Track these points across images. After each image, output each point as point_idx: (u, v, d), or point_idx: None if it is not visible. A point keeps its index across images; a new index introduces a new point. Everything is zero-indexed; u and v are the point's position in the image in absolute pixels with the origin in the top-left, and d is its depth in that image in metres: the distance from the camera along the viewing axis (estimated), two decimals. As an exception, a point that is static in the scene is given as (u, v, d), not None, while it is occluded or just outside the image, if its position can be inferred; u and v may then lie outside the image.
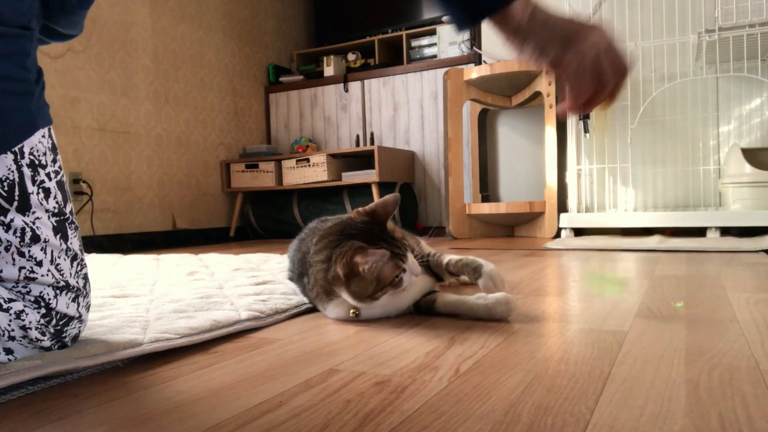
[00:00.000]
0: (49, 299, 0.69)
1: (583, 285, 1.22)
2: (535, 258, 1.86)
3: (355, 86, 3.57)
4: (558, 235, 2.64)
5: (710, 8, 2.50)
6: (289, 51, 4.04)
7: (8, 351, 0.67)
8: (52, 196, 0.71)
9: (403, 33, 3.56)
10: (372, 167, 3.16)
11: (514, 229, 2.97)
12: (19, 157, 0.67)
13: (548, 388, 0.58)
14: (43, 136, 0.70)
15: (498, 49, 3.08)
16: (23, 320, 0.67)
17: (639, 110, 2.59)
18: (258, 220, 3.46)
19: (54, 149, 0.73)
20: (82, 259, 0.76)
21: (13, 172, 0.66)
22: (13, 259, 0.67)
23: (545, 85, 2.70)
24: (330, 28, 3.91)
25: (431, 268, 1.12)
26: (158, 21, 3.09)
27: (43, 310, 0.68)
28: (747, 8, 2.35)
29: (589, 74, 0.74)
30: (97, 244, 2.69)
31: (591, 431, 0.47)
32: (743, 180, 2.31)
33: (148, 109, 3.02)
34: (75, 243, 0.74)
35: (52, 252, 0.70)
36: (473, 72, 2.83)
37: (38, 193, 0.69)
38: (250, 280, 1.35)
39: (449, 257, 1.11)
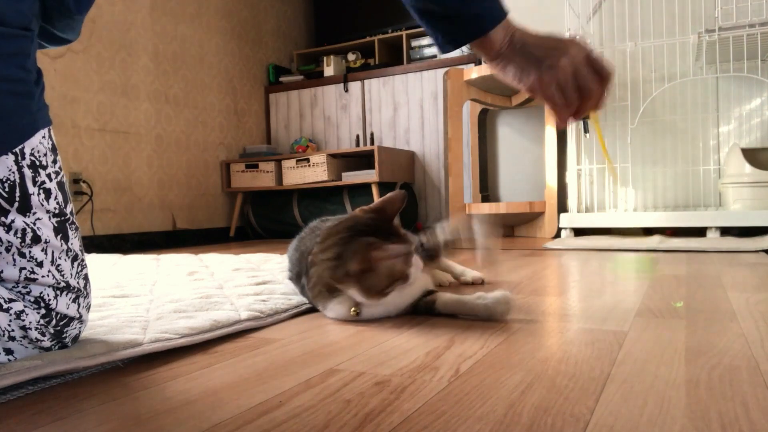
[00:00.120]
0: (50, 300, 0.69)
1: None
2: (535, 258, 1.86)
3: (355, 86, 3.57)
4: (558, 235, 2.64)
5: (710, 8, 2.50)
6: (289, 51, 4.04)
7: (8, 351, 0.67)
8: (52, 196, 0.71)
9: (403, 33, 3.56)
10: (372, 167, 3.16)
11: (514, 229, 2.97)
12: (19, 158, 0.67)
13: (548, 388, 0.58)
14: (44, 137, 0.70)
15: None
16: (23, 320, 0.67)
17: (639, 110, 2.59)
18: (258, 220, 3.46)
19: (54, 150, 0.73)
20: (83, 260, 0.76)
21: (13, 173, 0.66)
22: (14, 260, 0.67)
23: (545, 85, 2.70)
24: (330, 28, 3.91)
25: (429, 253, 1.09)
26: (158, 21, 3.09)
27: (43, 311, 0.68)
28: (747, 8, 2.35)
29: (571, 87, 0.78)
30: (97, 244, 2.69)
31: (591, 431, 0.47)
32: (743, 180, 2.31)
33: (148, 109, 3.02)
34: (75, 243, 0.74)
35: (52, 253, 0.70)
36: (473, 72, 2.83)
37: (39, 194, 0.69)
38: (250, 280, 1.35)
39: (441, 229, 1.09)
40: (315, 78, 3.74)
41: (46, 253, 0.69)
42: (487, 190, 3.25)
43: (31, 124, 0.68)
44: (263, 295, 1.13)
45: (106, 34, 2.80)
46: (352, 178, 3.15)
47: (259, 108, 3.80)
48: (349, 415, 0.52)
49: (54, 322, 0.70)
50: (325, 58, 3.72)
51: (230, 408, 0.55)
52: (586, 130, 2.64)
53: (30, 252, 0.68)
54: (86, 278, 0.76)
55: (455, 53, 3.32)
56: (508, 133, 3.21)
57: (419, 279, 0.95)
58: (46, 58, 2.52)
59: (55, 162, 0.72)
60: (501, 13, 0.79)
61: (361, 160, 3.38)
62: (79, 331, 0.74)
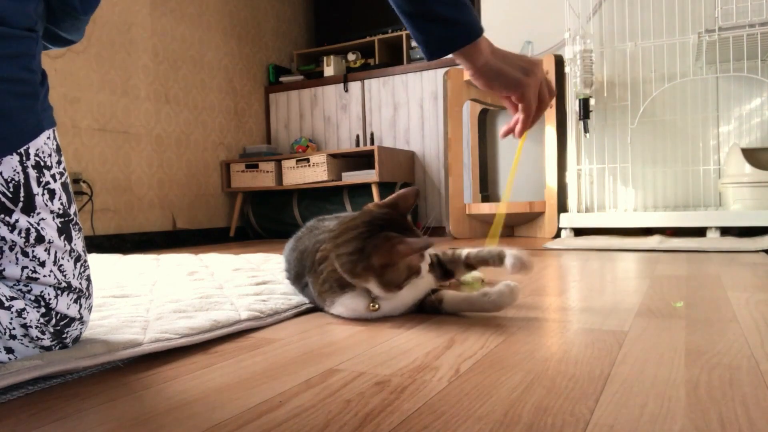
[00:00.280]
0: (50, 299, 0.69)
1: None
2: (535, 258, 1.86)
3: (355, 86, 3.57)
4: (558, 235, 2.64)
5: (710, 8, 2.50)
6: (289, 51, 4.04)
7: (9, 350, 0.67)
8: (56, 197, 0.71)
9: (403, 33, 3.56)
10: (372, 167, 3.16)
11: (514, 229, 2.97)
12: (24, 158, 0.67)
13: (548, 388, 0.58)
14: (48, 138, 0.71)
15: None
16: (24, 318, 0.67)
17: (639, 110, 2.59)
18: (258, 220, 3.46)
19: (59, 151, 0.73)
20: (86, 261, 0.76)
21: (18, 173, 0.67)
22: (17, 259, 0.67)
23: (545, 85, 2.70)
24: (330, 28, 3.91)
25: (443, 264, 1.12)
26: (158, 21, 3.09)
27: (42, 309, 0.69)
28: (747, 8, 2.35)
29: (536, 98, 0.93)
30: (97, 244, 2.69)
31: (591, 431, 0.47)
32: (743, 180, 2.31)
33: (148, 109, 3.02)
34: (78, 244, 0.74)
35: (55, 253, 0.70)
36: (473, 72, 2.83)
37: (43, 195, 0.69)
38: (250, 280, 1.35)
39: (468, 250, 1.12)
40: (315, 78, 3.74)
41: (49, 253, 0.69)
42: (487, 190, 3.25)
43: (36, 125, 0.68)
44: (263, 295, 1.13)
45: (106, 34, 2.80)
46: (352, 178, 3.15)
47: (259, 108, 3.80)
48: (349, 415, 0.52)
49: (54, 321, 0.70)
50: (325, 58, 3.72)
51: (230, 408, 0.55)
52: (586, 131, 2.64)
53: (33, 251, 0.68)
54: (88, 279, 0.76)
55: (455, 53, 3.32)
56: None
57: (425, 276, 0.96)
58: (47, 58, 2.52)
59: (59, 163, 0.72)
60: (481, 27, 0.90)
61: (361, 160, 3.38)
62: (80, 332, 0.74)
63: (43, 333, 0.69)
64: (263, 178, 3.34)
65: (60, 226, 0.71)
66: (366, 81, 3.54)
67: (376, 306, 0.92)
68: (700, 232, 2.37)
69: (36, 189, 0.68)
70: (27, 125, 0.67)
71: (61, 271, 0.71)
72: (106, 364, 0.71)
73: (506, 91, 0.93)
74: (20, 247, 0.67)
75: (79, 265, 0.74)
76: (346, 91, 3.59)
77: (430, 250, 1.20)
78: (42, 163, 0.69)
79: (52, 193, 0.70)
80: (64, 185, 0.73)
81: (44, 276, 0.69)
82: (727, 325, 0.83)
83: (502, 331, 0.83)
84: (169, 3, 3.15)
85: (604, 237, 2.49)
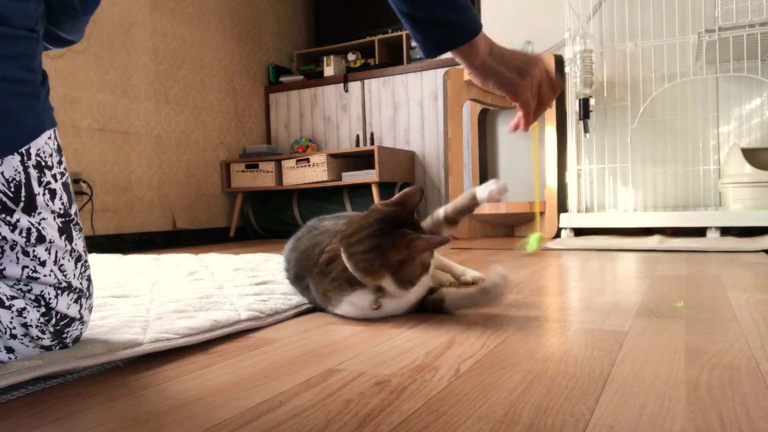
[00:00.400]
0: (50, 299, 0.69)
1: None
2: (535, 258, 1.86)
3: (355, 86, 3.57)
4: (558, 235, 2.64)
5: (710, 8, 2.50)
6: (289, 51, 4.04)
7: (9, 350, 0.67)
8: (57, 197, 0.71)
9: (403, 33, 3.56)
10: (372, 167, 3.16)
11: (514, 229, 2.97)
12: (25, 158, 0.67)
13: (548, 388, 0.58)
14: (49, 138, 0.71)
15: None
16: (25, 318, 0.67)
17: (639, 110, 2.59)
18: (258, 220, 3.46)
19: (59, 151, 0.73)
20: (86, 261, 0.76)
21: (19, 173, 0.67)
22: (17, 258, 0.67)
23: (545, 85, 2.70)
24: (330, 28, 3.91)
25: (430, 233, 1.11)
26: (158, 21, 3.09)
27: (43, 309, 0.69)
28: (747, 8, 2.35)
29: (536, 95, 0.94)
30: (97, 244, 2.69)
31: (591, 431, 0.47)
32: (743, 180, 2.31)
33: (148, 109, 3.02)
34: (79, 244, 0.74)
35: (56, 253, 0.70)
36: (473, 72, 2.83)
37: (44, 194, 0.69)
38: (250, 280, 1.35)
39: (443, 208, 1.10)
40: (315, 78, 3.74)
41: (49, 253, 0.69)
42: (487, 190, 3.24)
43: (37, 125, 0.69)
44: (263, 295, 1.13)
45: (106, 34, 2.80)
46: (352, 178, 3.15)
47: (259, 108, 3.80)
48: (349, 415, 0.52)
49: (54, 321, 0.70)
50: (325, 58, 3.72)
51: (230, 408, 0.55)
52: (586, 131, 2.64)
53: (34, 251, 0.68)
54: (89, 279, 0.76)
55: (455, 53, 3.32)
56: (508, 133, 3.21)
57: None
58: (47, 58, 2.52)
59: (60, 163, 0.72)
60: (480, 25, 0.91)
61: (361, 160, 3.38)
62: (81, 332, 0.75)
63: (43, 332, 0.69)
64: (263, 178, 3.34)
65: (61, 226, 0.71)
66: (366, 81, 3.54)
67: (378, 304, 0.92)
68: (700, 232, 2.37)
69: (37, 189, 0.68)
70: (28, 125, 0.67)
71: (61, 270, 0.71)
72: (106, 364, 0.71)
73: (500, 91, 0.95)
74: (21, 247, 0.67)
75: (79, 265, 0.74)
76: (346, 91, 3.60)
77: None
78: (43, 163, 0.69)
79: (53, 193, 0.70)
80: (65, 185, 0.73)
81: (45, 276, 0.69)
82: (727, 325, 0.83)
83: (502, 331, 0.83)
84: (169, 3, 3.15)
85: (604, 237, 2.49)
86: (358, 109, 3.57)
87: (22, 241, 0.67)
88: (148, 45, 3.03)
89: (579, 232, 2.62)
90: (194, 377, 0.66)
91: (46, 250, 0.69)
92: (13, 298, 0.67)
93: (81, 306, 0.73)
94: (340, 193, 3.25)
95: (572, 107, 2.65)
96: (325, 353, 0.74)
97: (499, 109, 3.15)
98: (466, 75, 2.94)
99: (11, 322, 0.66)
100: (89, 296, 0.75)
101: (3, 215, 0.66)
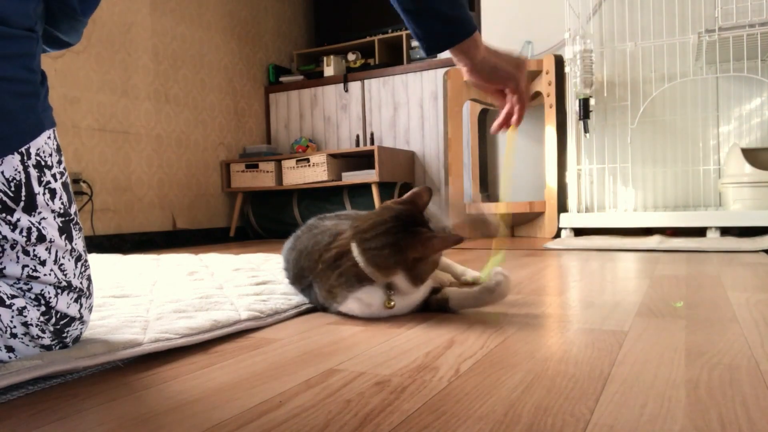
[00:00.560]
0: (50, 298, 0.69)
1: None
2: (535, 258, 1.86)
3: (355, 86, 3.57)
4: (558, 235, 2.64)
5: (710, 8, 2.50)
6: (289, 51, 4.04)
7: (10, 349, 0.67)
8: (57, 196, 0.71)
9: (403, 33, 3.56)
10: (372, 167, 3.16)
11: (514, 229, 2.97)
12: (25, 157, 0.67)
13: (548, 388, 0.58)
14: (49, 138, 0.71)
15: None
16: (25, 317, 0.67)
17: (639, 110, 2.59)
18: (258, 220, 3.46)
19: (59, 151, 0.73)
20: (86, 260, 0.76)
21: (20, 172, 0.67)
22: (18, 257, 0.68)
23: (545, 85, 2.70)
24: (330, 28, 3.91)
25: None
26: (158, 21, 3.09)
27: (42, 308, 0.69)
28: (747, 8, 2.35)
29: (528, 89, 0.98)
30: (97, 244, 2.69)
31: (591, 431, 0.47)
32: (743, 180, 2.31)
33: (148, 109, 3.02)
34: (79, 244, 0.74)
35: (56, 252, 0.70)
36: (473, 72, 2.82)
37: (44, 194, 0.69)
38: (250, 280, 1.35)
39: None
40: (315, 78, 3.74)
41: (49, 253, 0.70)
42: (487, 190, 3.25)
43: (37, 125, 0.69)
44: (263, 295, 1.13)
45: (106, 34, 2.80)
46: (352, 178, 3.15)
47: (259, 108, 3.80)
48: (349, 415, 0.52)
49: (54, 320, 0.70)
50: (325, 58, 3.72)
51: (230, 408, 0.55)
52: (586, 131, 2.64)
53: (34, 250, 0.68)
54: (89, 279, 0.76)
55: (455, 53, 3.32)
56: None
57: None
58: (47, 58, 2.52)
59: (59, 162, 0.73)
60: (475, 24, 0.94)
61: (361, 160, 3.38)
62: (80, 332, 0.75)
63: (43, 332, 0.69)
64: (263, 178, 3.34)
65: (61, 225, 0.71)
66: (366, 81, 3.54)
67: (392, 303, 0.93)
68: (700, 232, 2.37)
69: (37, 188, 0.69)
70: (28, 125, 0.68)
71: (61, 270, 0.71)
72: (106, 364, 0.71)
73: (502, 84, 0.98)
74: (21, 246, 0.67)
75: (79, 264, 0.74)
76: (346, 91, 3.60)
77: None
78: (43, 163, 0.69)
79: (53, 193, 0.70)
80: (65, 185, 0.73)
81: (45, 275, 0.69)
82: (727, 325, 0.83)
83: (502, 331, 0.83)
84: (169, 3, 3.15)
85: (604, 237, 2.49)
86: (358, 109, 3.57)
87: (22, 240, 0.67)
88: (148, 45, 3.03)
89: (579, 232, 2.62)
90: (194, 377, 0.66)
91: (46, 249, 0.69)
92: (13, 297, 0.67)
93: (81, 305, 0.73)
94: (340, 193, 3.25)
95: (572, 107, 2.65)
96: (325, 353, 0.74)
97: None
98: (466, 75, 2.93)
99: (11, 321, 0.66)
100: (89, 296, 0.75)
101: (3, 214, 0.66)
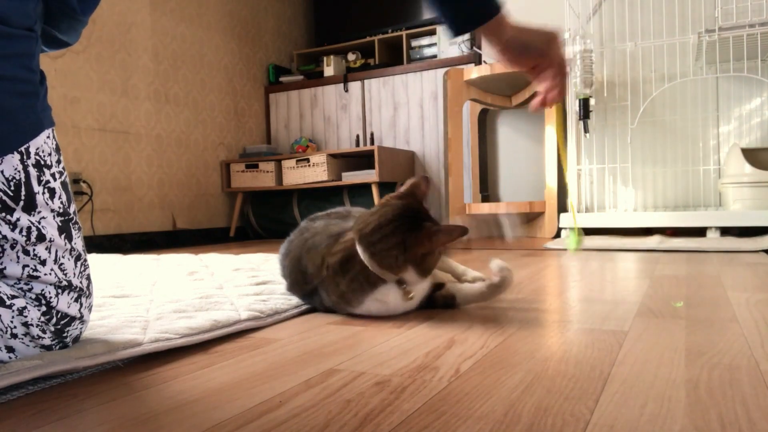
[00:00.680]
0: (50, 297, 0.69)
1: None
2: (535, 258, 1.86)
3: (355, 86, 3.57)
4: (558, 235, 2.64)
5: (710, 8, 2.50)
6: (289, 51, 4.04)
7: (10, 349, 0.67)
8: (56, 196, 0.71)
9: (403, 33, 3.56)
10: (372, 167, 3.16)
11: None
12: (25, 157, 0.67)
13: (548, 388, 0.58)
14: (48, 137, 0.71)
15: (498, 49, 3.07)
16: (25, 317, 0.67)
17: (639, 110, 2.59)
18: (258, 220, 3.46)
19: (58, 150, 0.73)
20: (85, 260, 0.76)
21: (19, 172, 0.67)
22: (18, 257, 0.68)
23: (545, 85, 2.70)
24: (330, 28, 3.91)
25: None
26: (158, 21, 3.09)
27: (43, 308, 0.69)
28: (747, 8, 2.35)
29: (564, 62, 0.93)
30: (97, 244, 2.69)
31: (591, 431, 0.47)
32: (743, 180, 2.31)
33: (148, 109, 3.02)
34: (79, 243, 0.74)
35: (56, 251, 0.70)
36: (473, 72, 2.83)
37: (44, 193, 0.69)
38: (250, 280, 1.35)
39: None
40: (315, 78, 3.74)
41: (49, 252, 0.70)
42: (487, 190, 3.25)
43: (37, 124, 0.69)
44: (263, 295, 1.13)
45: (106, 34, 2.80)
46: (352, 178, 3.15)
47: (259, 108, 3.80)
48: (349, 415, 0.52)
49: (54, 320, 0.70)
50: (325, 58, 3.72)
51: (230, 408, 0.55)
52: (586, 131, 2.64)
53: (34, 250, 0.68)
54: (89, 278, 0.76)
55: (455, 53, 3.32)
56: (508, 133, 3.22)
57: None
58: (47, 58, 2.52)
59: (59, 162, 0.73)
60: (503, 1, 0.89)
61: (361, 160, 3.38)
62: (81, 332, 0.75)
63: (43, 332, 0.69)
64: (263, 178, 3.34)
65: (60, 224, 0.71)
66: (366, 81, 3.54)
67: (412, 294, 0.94)
68: (700, 232, 2.37)
69: (36, 188, 0.69)
70: (27, 124, 0.68)
71: (61, 269, 0.71)
72: (106, 364, 0.71)
73: (535, 62, 0.93)
74: (21, 246, 0.67)
75: (79, 264, 0.74)
76: (346, 91, 3.59)
77: None
78: (42, 162, 0.69)
79: (52, 192, 0.70)
80: (64, 184, 0.73)
81: (45, 274, 0.69)
82: (727, 325, 0.83)
83: (502, 331, 0.83)
84: (169, 3, 3.15)
85: (604, 237, 2.49)
86: (358, 109, 3.57)
87: (22, 239, 0.67)
88: (148, 45, 3.03)
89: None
90: (194, 377, 0.66)
91: (46, 248, 0.69)
92: (13, 297, 0.67)
93: (81, 305, 0.73)
94: (340, 193, 3.25)
95: (572, 107, 2.65)
96: (325, 353, 0.74)
97: (499, 109, 3.15)
98: (467, 75, 2.94)
99: (12, 322, 0.66)
100: (89, 295, 0.75)
101: (3, 214, 0.66)
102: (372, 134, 3.52)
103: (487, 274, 1.33)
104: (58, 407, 0.57)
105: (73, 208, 0.75)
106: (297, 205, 3.32)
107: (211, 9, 3.43)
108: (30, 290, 0.68)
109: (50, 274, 0.69)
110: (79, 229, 0.76)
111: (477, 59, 3.17)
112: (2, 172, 0.66)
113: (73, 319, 0.72)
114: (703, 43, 2.32)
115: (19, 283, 0.68)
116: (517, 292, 1.18)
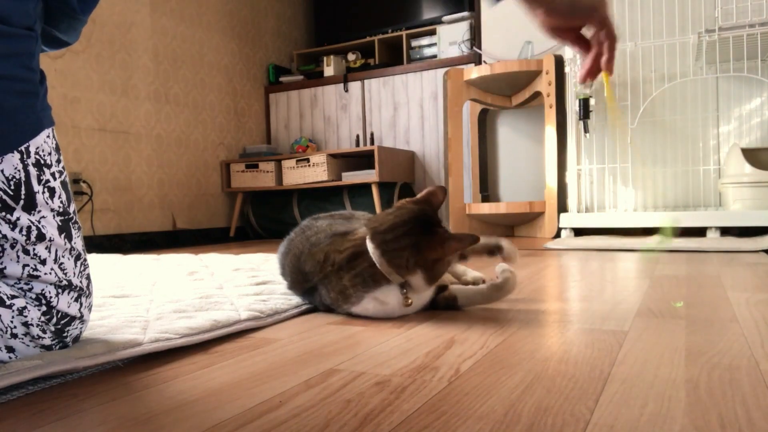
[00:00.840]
0: (51, 297, 0.69)
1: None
2: (535, 258, 1.86)
3: (355, 86, 3.57)
4: (558, 235, 2.64)
5: (710, 8, 2.50)
6: (289, 51, 4.04)
7: (10, 349, 0.67)
8: (56, 195, 0.71)
9: (403, 33, 3.56)
10: (372, 167, 3.16)
11: (514, 229, 2.97)
12: (25, 156, 0.67)
13: (548, 388, 0.58)
14: (48, 137, 0.71)
15: (498, 49, 3.08)
16: (26, 317, 0.67)
17: (639, 110, 2.59)
18: (258, 220, 3.46)
19: (58, 149, 0.73)
20: (85, 259, 0.76)
21: (19, 171, 0.67)
22: (18, 257, 0.67)
23: (545, 85, 2.70)
24: (330, 28, 3.91)
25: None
26: (158, 21, 3.09)
27: (44, 308, 0.69)
28: (747, 8, 2.35)
29: (613, 23, 0.81)
30: (97, 244, 2.69)
31: (591, 431, 0.47)
32: (743, 180, 2.31)
33: (148, 109, 3.02)
34: (78, 242, 0.74)
35: (56, 251, 0.70)
36: (473, 72, 2.83)
37: (44, 193, 0.69)
38: (250, 280, 1.35)
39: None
40: (315, 78, 3.74)
41: (49, 251, 0.70)
42: (487, 190, 3.25)
43: (36, 123, 0.69)
44: (263, 295, 1.13)
45: (106, 33, 2.80)
46: (352, 178, 3.15)
47: (259, 108, 3.80)
48: (349, 415, 0.52)
49: (55, 320, 0.70)
50: (325, 58, 3.72)
51: (230, 408, 0.55)
52: (586, 131, 2.64)
53: (34, 249, 0.68)
54: (88, 278, 0.76)
55: (455, 53, 3.32)
56: (508, 133, 3.22)
57: None
58: (47, 58, 2.52)
59: (58, 161, 0.73)
60: None
61: (361, 160, 3.38)
62: (81, 331, 0.75)
63: (44, 332, 0.69)
64: (263, 178, 3.34)
65: (60, 224, 0.71)
66: (366, 81, 3.54)
67: (410, 301, 0.94)
68: (700, 232, 2.37)
69: (36, 187, 0.69)
70: (27, 123, 0.68)
71: (61, 269, 0.71)
72: (106, 364, 0.71)
73: (585, 20, 0.83)
74: (21, 245, 0.67)
75: (79, 263, 0.74)
76: (346, 91, 3.60)
77: None
78: (42, 162, 0.69)
79: (52, 192, 0.70)
80: (64, 184, 0.73)
81: (45, 274, 0.69)
82: (727, 325, 0.83)
83: (502, 331, 0.83)
84: (169, 3, 3.15)
85: (604, 237, 2.49)
86: (358, 109, 3.57)
87: (22, 239, 0.67)
88: (148, 45, 3.03)
89: (579, 232, 2.62)
90: (194, 377, 0.66)
91: (46, 248, 0.69)
92: (13, 297, 0.67)
93: (81, 304, 0.73)
94: (340, 193, 3.25)
95: (572, 107, 2.65)
96: (325, 353, 0.74)
97: (499, 109, 3.15)
98: (467, 75, 2.95)
99: (12, 322, 0.66)
100: (89, 295, 0.75)
101: (3, 213, 0.66)
102: (372, 134, 3.52)
103: (487, 274, 1.33)
104: (58, 407, 0.57)
105: (72, 208, 0.75)
106: (297, 205, 3.32)
107: (211, 9, 3.43)
108: (30, 290, 0.68)
109: (50, 273, 0.69)
110: (79, 228, 0.76)
111: (477, 59, 3.17)
112: (2, 171, 0.66)
113: (73, 318, 0.72)
114: (703, 43, 2.32)
115: (19, 283, 0.68)
116: (517, 292, 1.18)
